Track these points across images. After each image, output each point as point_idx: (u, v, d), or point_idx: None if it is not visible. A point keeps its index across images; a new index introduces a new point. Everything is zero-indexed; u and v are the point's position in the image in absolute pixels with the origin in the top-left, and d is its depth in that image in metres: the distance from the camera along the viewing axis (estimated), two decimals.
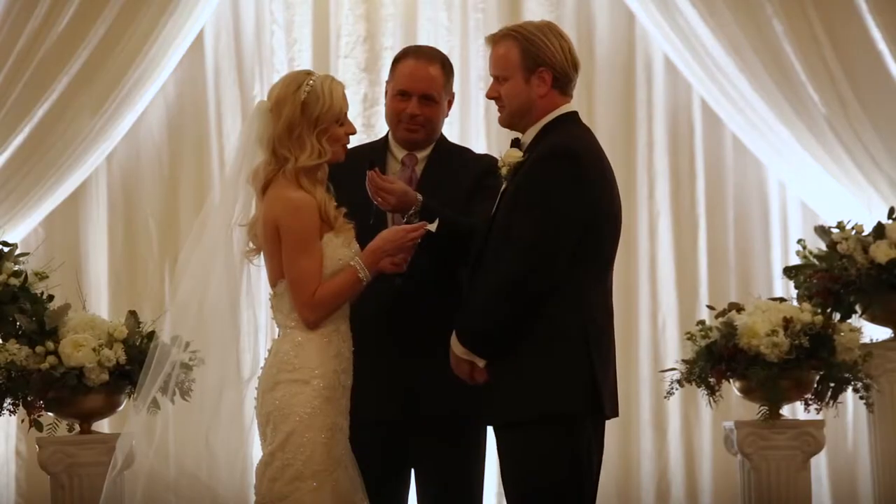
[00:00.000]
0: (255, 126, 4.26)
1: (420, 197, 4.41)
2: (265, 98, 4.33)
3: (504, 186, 4.24)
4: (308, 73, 4.27)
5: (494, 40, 4.25)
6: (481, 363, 4.13)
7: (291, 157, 4.19)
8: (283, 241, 4.17)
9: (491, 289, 4.06)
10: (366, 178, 4.38)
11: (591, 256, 4.10)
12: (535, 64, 4.16)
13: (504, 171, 4.22)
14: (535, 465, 4.07)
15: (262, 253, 4.29)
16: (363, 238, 4.31)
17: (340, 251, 4.22)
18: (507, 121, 4.27)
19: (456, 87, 6.96)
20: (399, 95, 4.59)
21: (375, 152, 4.64)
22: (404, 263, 4.26)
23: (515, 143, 4.25)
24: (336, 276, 4.19)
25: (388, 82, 4.68)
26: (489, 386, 4.15)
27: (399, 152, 4.65)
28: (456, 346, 4.16)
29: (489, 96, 4.30)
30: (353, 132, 4.31)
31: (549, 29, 4.21)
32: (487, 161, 4.62)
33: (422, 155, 4.64)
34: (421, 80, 4.58)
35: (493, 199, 4.30)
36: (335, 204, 4.26)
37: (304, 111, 4.19)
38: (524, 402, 4.06)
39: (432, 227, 4.25)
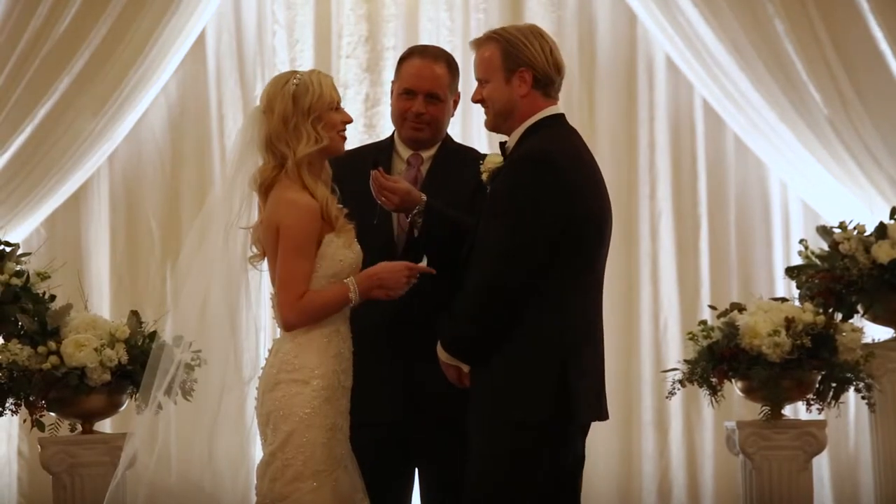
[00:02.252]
0: (249, 131, 4.27)
1: (424, 197, 4.41)
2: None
3: (487, 192, 4.25)
4: (294, 72, 4.30)
5: (478, 44, 4.27)
6: (466, 368, 4.15)
7: (290, 151, 4.20)
8: (280, 240, 4.17)
9: (469, 296, 4.07)
10: (370, 178, 4.39)
11: (572, 259, 4.06)
12: (515, 64, 4.17)
13: (485, 176, 4.25)
14: (499, 470, 4.04)
15: (265, 257, 4.29)
16: (367, 238, 4.32)
17: (341, 252, 4.22)
18: (492, 123, 4.28)
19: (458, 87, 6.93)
20: (404, 94, 4.60)
21: (381, 152, 4.66)
22: (395, 297, 4.27)
23: (502, 146, 4.25)
24: (327, 290, 4.20)
25: (393, 82, 4.70)
26: (466, 391, 4.17)
27: (405, 152, 4.66)
28: (441, 352, 4.19)
29: (474, 100, 4.31)
30: (349, 120, 4.32)
31: (530, 31, 4.22)
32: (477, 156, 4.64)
33: (427, 154, 4.65)
34: (426, 78, 4.59)
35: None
36: (339, 205, 4.26)
37: (295, 102, 4.21)
38: (492, 407, 4.05)
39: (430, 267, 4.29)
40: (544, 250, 4.01)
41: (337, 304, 4.21)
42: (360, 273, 4.24)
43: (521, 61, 4.16)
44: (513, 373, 4.04)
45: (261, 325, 4.43)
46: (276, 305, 4.21)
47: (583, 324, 4.13)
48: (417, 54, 4.68)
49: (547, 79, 4.18)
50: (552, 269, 4.03)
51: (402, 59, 4.69)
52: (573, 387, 4.04)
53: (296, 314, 4.17)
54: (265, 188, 4.24)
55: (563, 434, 4.11)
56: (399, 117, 4.64)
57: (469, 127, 6.84)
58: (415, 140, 4.62)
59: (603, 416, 4.21)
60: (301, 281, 4.16)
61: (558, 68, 4.21)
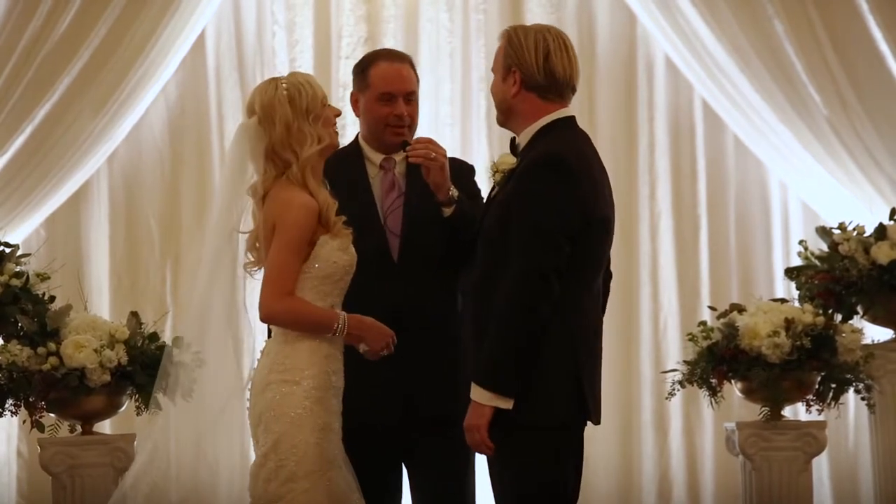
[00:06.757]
0: (245, 144, 4.22)
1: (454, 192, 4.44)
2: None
3: (495, 192, 4.22)
4: (276, 78, 4.28)
5: (498, 37, 4.26)
6: (509, 404, 3.97)
7: (294, 157, 4.18)
8: (276, 236, 4.15)
9: (499, 318, 3.98)
10: (403, 149, 4.44)
11: (582, 263, 4.04)
12: (510, 63, 4.14)
13: (497, 177, 4.21)
14: (521, 473, 4.02)
15: (261, 265, 4.26)
16: (359, 240, 4.32)
17: (335, 254, 4.19)
18: (498, 117, 4.27)
19: (457, 89, 6.96)
20: (382, 100, 4.57)
21: (349, 157, 4.62)
22: (369, 356, 4.28)
23: (512, 143, 4.23)
24: (319, 308, 4.18)
25: (358, 91, 4.64)
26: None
27: (376, 157, 4.62)
28: (478, 393, 4.00)
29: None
30: (339, 112, 4.30)
31: (536, 31, 4.15)
32: (458, 164, 4.67)
33: (399, 157, 4.60)
34: (402, 80, 4.58)
35: (470, 199, 4.45)
36: (336, 210, 4.26)
37: (293, 106, 4.19)
38: (511, 411, 3.99)
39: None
40: (564, 255, 3.97)
41: (320, 324, 4.17)
42: (355, 315, 4.22)
43: (511, 60, 4.13)
44: (533, 377, 3.98)
45: (258, 328, 4.40)
46: (260, 295, 4.16)
47: (592, 323, 4.12)
48: (384, 58, 4.65)
49: (533, 83, 4.11)
50: (568, 270, 3.99)
51: (367, 66, 4.63)
52: (586, 389, 4.04)
53: (282, 307, 4.12)
54: (263, 195, 4.23)
55: (579, 436, 4.12)
56: (379, 123, 4.58)
57: (468, 128, 6.85)
58: (398, 144, 4.58)
59: (599, 419, 4.18)
60: (289, 276, 4.13)
61: (550, 74, 4.11)
